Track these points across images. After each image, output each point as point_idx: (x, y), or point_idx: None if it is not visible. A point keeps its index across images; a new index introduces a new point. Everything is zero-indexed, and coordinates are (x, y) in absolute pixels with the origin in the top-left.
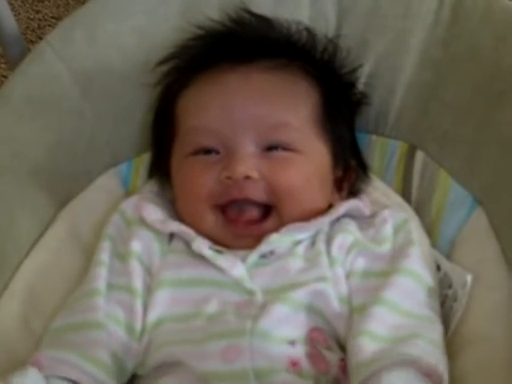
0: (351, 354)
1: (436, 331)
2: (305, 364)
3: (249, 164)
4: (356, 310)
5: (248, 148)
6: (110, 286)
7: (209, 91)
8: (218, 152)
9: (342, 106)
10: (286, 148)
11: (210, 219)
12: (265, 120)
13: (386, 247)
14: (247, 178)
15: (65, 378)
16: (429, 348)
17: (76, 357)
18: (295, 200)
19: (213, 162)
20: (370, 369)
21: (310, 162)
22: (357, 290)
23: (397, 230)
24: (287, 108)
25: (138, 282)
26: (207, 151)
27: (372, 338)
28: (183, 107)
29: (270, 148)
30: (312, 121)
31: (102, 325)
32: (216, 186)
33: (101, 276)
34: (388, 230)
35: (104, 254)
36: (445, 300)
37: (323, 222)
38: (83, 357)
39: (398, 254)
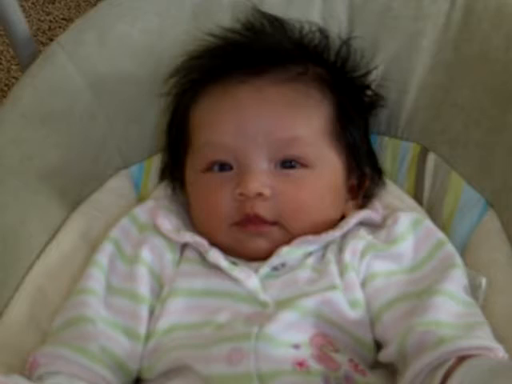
0: (411, 344)
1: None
2: (312, 363)
3: (261, 181)
4: (385, 308)
5: (261, 164)
6: (111, 289)
7: (221, 105)
8: (231, 167)
9: (355, 113)
10: (299, 162)
11: (226, 234)
12: (278, 135)
13: (403, 244)
14: (259, 195)
15: (62, 373)
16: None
17: (70, 351)
18: (306, 218)
19: (227, 179)
20: (452, 345)
21: (323, 177)
22: (382, 288)
23: (415, 225)
24: (300, 122)
25: (144, 288)
26: (221, 166)
27: (440, 325)
28: (197, 120)
29: (284, 163)
30: (325, 133)
31: (90, 320)
32: (231, 204)
33: (93, 276)
34: (401, 227)
35: (102, 256)
36: None
37: (334, 235)
38: (77, 350)
39: (432, 249)
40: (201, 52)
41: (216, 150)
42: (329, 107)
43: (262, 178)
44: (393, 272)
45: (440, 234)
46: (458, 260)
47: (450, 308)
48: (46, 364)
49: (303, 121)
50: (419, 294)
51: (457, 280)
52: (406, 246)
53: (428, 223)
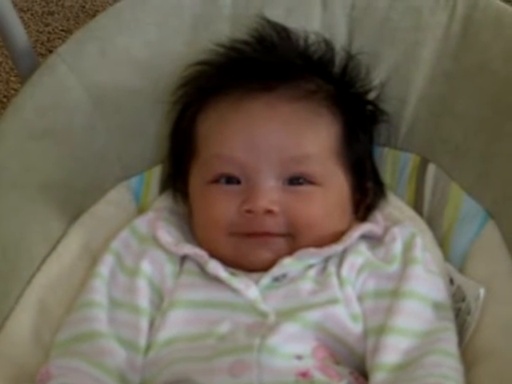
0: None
1: (447, 341)
2: (315, 373)
3: (270, 198)
4: (371, 332)
5: (270, 181)
6: (113, 302)
7: (232, 118)
8: (239, 181)
9: (361, 131)
10: (307, 180)
11: (227, 243)
12: (288, 152)
13: (394, 266)
14: (268, 212)
15: None
16: (440, 361)
17: (85, 364)
18: (313, 232)
19: (234, 193)
20: None
21: (330, 195)
22: (371, 311)
23: (406, 247)
24: (311, 140)
25: (143, 300)
26: (228, 179)
27: (385, 371)
28: (204, 130)
29: (292, 180)
30: (333, 151)
31: (105, 334)
32: (236, 218)
33: (96, 288)
34: (397, 248)
35: (103, 267)
36: (458, 313)
37: (336, 249)
38: (92, 364)
39: (402, 275)
40: (207, 62)
41: (225, 164)
42: (337, 126)
43: (270, 195)
44: (382, 293)
45: (417, 252)
46: (418, 288)
47: (401, 345)
48: (59, 375)
49: (313, 139)
50: (378, 330)
51: (409, 312)
52: (397, 267)
53: (417, 241)
